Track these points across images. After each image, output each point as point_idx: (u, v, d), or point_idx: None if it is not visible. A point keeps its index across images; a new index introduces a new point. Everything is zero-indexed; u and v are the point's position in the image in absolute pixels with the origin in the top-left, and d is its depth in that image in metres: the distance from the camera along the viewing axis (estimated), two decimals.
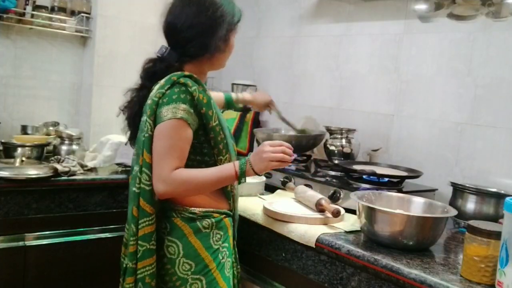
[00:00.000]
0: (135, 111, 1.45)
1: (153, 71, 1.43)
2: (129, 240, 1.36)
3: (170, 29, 1.42)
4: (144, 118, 1.36)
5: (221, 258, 1.41)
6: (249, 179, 1.89)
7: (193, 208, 1.39)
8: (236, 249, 1.53)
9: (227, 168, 1.36)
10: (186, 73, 1.36)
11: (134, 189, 1.35)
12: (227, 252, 1.44)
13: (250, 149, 2.65)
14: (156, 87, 1.36)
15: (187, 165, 1.36)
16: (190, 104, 1.33)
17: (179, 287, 1.37)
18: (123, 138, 2.21)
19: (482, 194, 1.62)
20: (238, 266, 1.55)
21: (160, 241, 1.38)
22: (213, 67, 1.50)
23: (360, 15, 2.28)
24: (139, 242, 1.33)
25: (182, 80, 1.33)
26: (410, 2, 2.05)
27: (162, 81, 1.36)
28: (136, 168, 1.36)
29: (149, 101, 1.35)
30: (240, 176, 1.36)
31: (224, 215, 1.44)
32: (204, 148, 1.39)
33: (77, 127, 2.46)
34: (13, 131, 2.35)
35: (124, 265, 1.40)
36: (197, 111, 1.34)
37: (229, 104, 1.89)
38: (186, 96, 1.32)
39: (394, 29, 2.12)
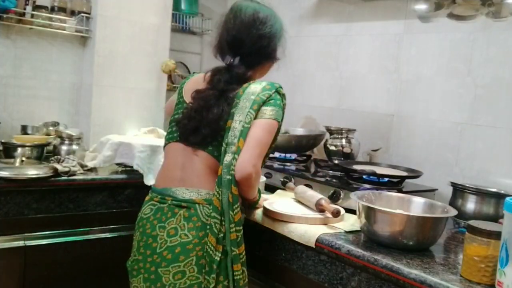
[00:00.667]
0: (200, 106, 1.49)
1: (224, 80, 1.51)
2: (229, 228, 1.37)
3: (236, 42, 1.52)
4: (246, 110, 1.42)
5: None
6: None
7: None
8: None
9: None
10: (276, 83, 1.49)
11: (228, 176, 1.37)
12: None
13: None
14: (256, 87, 1.46)
15: None
16: (279, 109, 1.46)
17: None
18: (123, 138, 2.21)
19: (482, 194, 1.62)
20: None
21: None
22: (262, 75, 1.62)
23: (360, 15, 2.28)
24: (236, 228, 1.38)
25: (281, 90, 1.49)
26: (410, 2, 2.05)
27: (266, 84, 1.46)
28: (229, 157, 1.39)
29: (253, 97, 1.43)
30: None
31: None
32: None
33: (77, 127, 2.46)
34: (13, 131, 2.35)
35: (228, 254, 1.38)
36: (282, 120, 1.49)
37: None
38: (280, 103, 1.47)
39: (394, 29, 2.12)
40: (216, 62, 1.60)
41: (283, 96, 1.49)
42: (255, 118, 1.42)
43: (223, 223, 1.37)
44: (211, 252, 1.36)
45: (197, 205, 1.42)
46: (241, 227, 1.39)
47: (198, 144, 1.48)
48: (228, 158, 1.39)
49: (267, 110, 1.42)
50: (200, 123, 1.47)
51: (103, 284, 2.06)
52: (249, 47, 1.51)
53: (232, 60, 1.53)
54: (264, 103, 1.43)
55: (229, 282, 1.37)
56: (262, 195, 1.68)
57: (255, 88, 1.46)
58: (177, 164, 1.49)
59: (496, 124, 1.77)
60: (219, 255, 1.37)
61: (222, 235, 1.37)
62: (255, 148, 1.38)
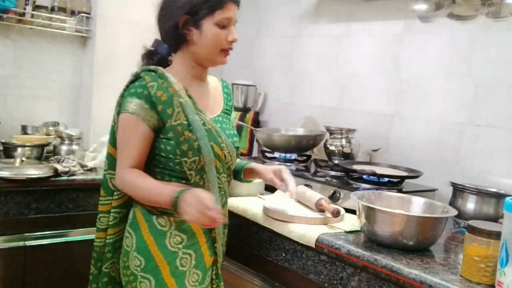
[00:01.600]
0: None
1: (142, 63, 1.45)
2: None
3: (156, 20, 1.42)
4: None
5: (179, 264, 1.32)
6: None
7: None
8: (218, 265, 1.43)
9: (167, 191, 1.26)
10: (152, 67, 1.34)
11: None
12: (193, 262, 1.35)
13: (250, 149, 2.65)
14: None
15: (153, 162, 1.35)
16: (146, 100, 1.29)
17: (132, 282, 1.33)
18: None
19: (482, 194, 1.62)
20: (221, 284, 1.46)
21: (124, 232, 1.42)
22: (199, 61, 1.39)
23: (360, 15, 2.28)
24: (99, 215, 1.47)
25: (142, 74, 1.33)
26: (410, 2, 2.05)
27: (131, 75, 1.37)
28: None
29: (120, 95, 1.38)
30: (174, 205, 1.23)
31: None
32: (168, 145, 1.31)
33: (77, 127, 2.46)
34: (13, 131, 2.35)
35: None
36: (155, 108, 1.29)
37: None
38: (142, 91, 1.29)
39: (394, 29, 2.12)
40: None
41: (143, 79, 1.31)
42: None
43: None
44: None
45: None
46: (98, 218, 1.45)
47: None
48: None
49: (122, 106, 1.34)
50: None
51: None
52: (159, 27, 1.40)
53: (156, 44, 1.46)
54: (123, 97, 1.35)
55: None
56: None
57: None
58: None
59: (496, 124, 1.77)
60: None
61: None
62: (118, 156, 1.36)
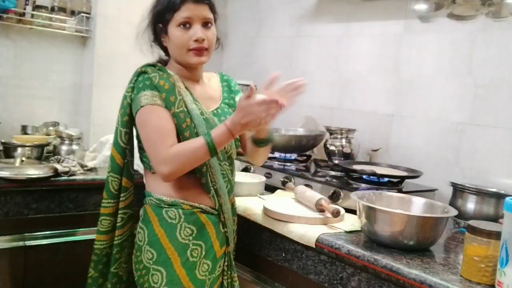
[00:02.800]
0: None
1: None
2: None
3: None
4: (119, 112, 1.44)
5: (189, 256, 1.35)
6: (249, 179, 1.90)
7: (161, 196, 1.39)
8: (231, 256, 1.47)
9: (218, 128, 1.30)
10: (151, 62, 1.44)
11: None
12: (203, 253, 1.38)
13: None
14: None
15: None
16: (153, 88, 1.36)
17: (144, 276, 1.36)
18: None
19: (482, 194, 1.62)
20: (234, 275, 1.47)
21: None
22: (179, 62, 1.44)
23: (360, 15, 2.28)
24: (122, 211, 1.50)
25: (143, 69, 1.40)
26: (410, 2, 2.05)
27: (132, 75, 1.42)
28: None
29: (123, 97, 1.42)
30: (210, 146, 1.27)
31: (199, 210, 1.39)
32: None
33: (77, 127, 2.46)
34: (13, 131, 2.35)
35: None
36: (160, 96, 1.36)
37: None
38: (150, 83, 1.36)
39: (394, 29, 2.12)
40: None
41: (144, 73, 1.39)
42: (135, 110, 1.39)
43: None
44: None
45: None
46: (99, 221, 1.49)
47: None
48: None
49: (135, 103, 1.37)
50: None
51: None
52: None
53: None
54: (130, 98, 1.40)
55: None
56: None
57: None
58: None
59: (496, 124, 1.77)
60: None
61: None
62: (153, 149, 1.33)
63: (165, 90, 1.35)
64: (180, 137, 1.35)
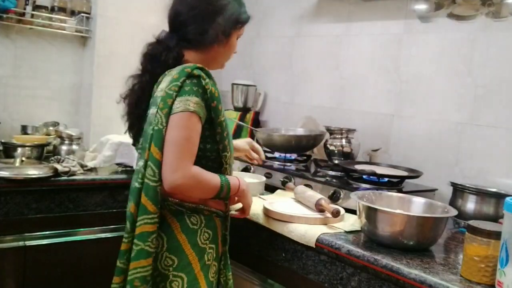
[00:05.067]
0: (136, 98, 1.41)
1: (151, 54, 1.40)
2: (124, 237, 1.30)
3: (172, 13, 1.42)
4: (154, 110, 1.28)
5: (206, 259, 1.35)
6: (249, 179, 1.90)
7: (181, 201, 1.32)
8: (227, 255, 1.45)
9: (233, 179, 1.37)
10: (199, 65, 1.31)
11: (136, 184, 1.27)
12: (214, 255, 1.38)
13: None
14: (167, 79, 1.30)
15: None
16: (202, 97, 1.28)
17: (159, 283, 1.30)
18: (123, 138, 2.21)
19: (482, 194, 1.62)
20: (229, 274, 1.45)
21: None
22: (212, 63, 1.43)
23: (360, 15, 2.28)
24: (135, 240, 1.25)
25: (196, 72, 1.29)
26: (410, 2, 2.05)
27: (175, 73, 1.29)
28: (141, 162, 1.28)
29: (160, 93, 1.28)
30: (222, 190, 1.33)
31: (215, 215, 1.38)
32: (208, 143, 1.32)
33: (77, 127, 2.46)
34: (13, 131, 2.35)
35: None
36: (208, 105, 1.29)
37: None
38: (198, 89, 1.28)
39: (394, 29, 2.12)
40: None
41: (196, 77, 1.28)
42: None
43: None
44: None
45: None
46: (142, 242, 1.24)
47: (133, 144, 1.48)
48: (140, 163, 1.29)
49: (175, 104, 1.26)
50: (131, 120, 1.44)
51: (103, 284, 2.05)
52: (182, 19, 1.39)
53: (163, 34, 1.44)
54: (175, 97, 1.27)
55: None
56: (261, 196, 1.63)
57: (165, 81, 1.30)
58: None
59: (496, 124, 1.77)
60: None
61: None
62: (175, 153, 1.24)
63: (216, 98, 1.30)
64: (220, 145, 1.33)
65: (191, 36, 1.38)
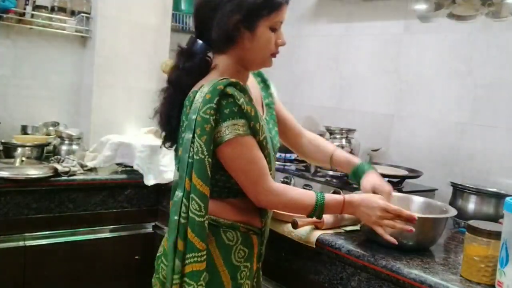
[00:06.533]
0: (166, 111, 1.29)
1: (176, 65, 1.29)
2: (171, 278, 1.17)
3: (196, 16, 1.31)
4: (189, 135, 1.17)
5: (239, 278, 1.26)
6: None
7: (216, 217, 1.24)
8: (260, 272, 1.39)
9: (310, 193, 1.27)
10: (232, 80, 1.19)
11: (176, 217, 1.17)
12: (248, 273, 1.29)
13: None
14: (199, 97, 1.18)
15: (224, 180, 1.24)
16: (244, 116, 1.18)
17: None
18: (123, 138, 2.21)
19: (482, 194, 1.62)
20: None
21: None
22: (248, 64, 1.29)
23: (360, 15, 2.28)
24: (186, 280, 1.16)
25: (229, 91, 1.16)
26: (410, 2, 2.05)
27: (206, 90, 1.16)
28: (179, 193, 1.18)
29: (194, 116, 1.16)
30: (316, 208, 1.24)
31: (252, 232, 1.30)
32: None
33: (77, 127, 2.46)
34: (13, 131, 2.35)
35: None
36: (248, 124, 1.20)
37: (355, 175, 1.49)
38: (238, 109, 1.17)
39: (394, 29, 2.12)
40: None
41: (230, 97, 1.17)
42: (216, 143, 1.17)
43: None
44: None
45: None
46: (195, 282, 1.15)
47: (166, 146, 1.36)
48: (178, 194, 1.19)
49: (221, 132, 1.16)
50: (166, 132, 1.33)
51: (103, 284, 2.06)
52: (204, 21, 1.24)
53: (190, 41, 1.28)
54: (214, 122, 1.16)
55: None
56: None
57: (197, 100, 1.17)
58: None
59: (496, 124, 1.77)
60: None
61: (169, 284, 1.18)
62: (245, 181, 1.21)
63: (252, 117, 1.19)
64: None
65: (215, 37, 1.23)
